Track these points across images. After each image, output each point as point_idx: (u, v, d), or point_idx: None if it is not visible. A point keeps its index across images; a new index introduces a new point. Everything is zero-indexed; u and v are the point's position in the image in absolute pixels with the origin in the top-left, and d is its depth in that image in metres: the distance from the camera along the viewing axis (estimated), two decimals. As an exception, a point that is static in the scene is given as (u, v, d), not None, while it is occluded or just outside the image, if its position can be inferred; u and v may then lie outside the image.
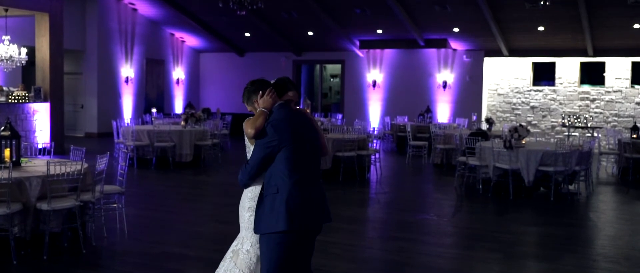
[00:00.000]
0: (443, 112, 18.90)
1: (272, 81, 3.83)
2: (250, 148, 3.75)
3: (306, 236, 3.64)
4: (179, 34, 20.82)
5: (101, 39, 17.94)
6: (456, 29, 17.14)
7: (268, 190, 3.56)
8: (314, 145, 3.72)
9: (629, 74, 17.26)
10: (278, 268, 3.51)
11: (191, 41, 21.23)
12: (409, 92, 19.21)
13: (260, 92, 3.70)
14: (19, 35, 14.54)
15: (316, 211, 3.63)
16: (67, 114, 16.92)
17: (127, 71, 18.86)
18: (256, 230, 3.60)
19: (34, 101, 13.31)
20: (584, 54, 17.23)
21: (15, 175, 5.73)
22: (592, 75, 17.91)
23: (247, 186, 3.75)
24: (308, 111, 3.97)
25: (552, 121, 18.17)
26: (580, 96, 17.85)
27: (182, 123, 12.45)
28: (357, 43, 19.26)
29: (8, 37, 12.95)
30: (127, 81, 18.82)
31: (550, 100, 18.21)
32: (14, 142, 6.35)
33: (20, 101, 12.95)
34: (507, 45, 17.76)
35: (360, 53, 19.82)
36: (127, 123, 13.48)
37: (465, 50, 18.68)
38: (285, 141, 3.55)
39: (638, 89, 17.23)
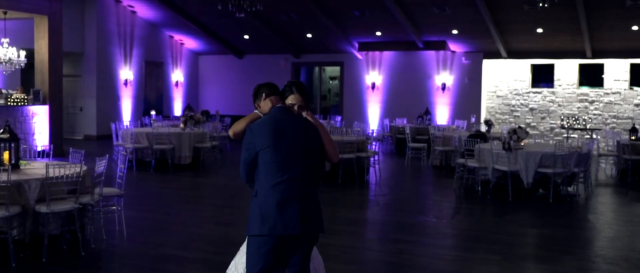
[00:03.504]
0: (442, 114, 18.91)
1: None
2: None
3: (287, 243, 3.48)
4: (178, 37, 20.82)
5: (100, 42, 17.93)
6: (455, 31, 17.15)
7: (253, 193, 3.56)
8: (306, 152, 3.54)
9: (627, 76, 17.28)
10: (254, 271, 3.49)
11: (190, 43, 21.23)
12: (408, 94, 19.22)
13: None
14: (18, 37, 14.54)
15: (296, 218, 3.42)
16: (66, 117, 16.91)
17: (126, 73, 18.85)
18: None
19: (33, 104, 13.30)
20: (583, 55, 17.25)
21: (14, 178, 5.73)
22: (591, 77, 17.93)
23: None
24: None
25: (551, 123, 18.18)
26: (579, 97, 17.87)
27: (181, 125, 12.44)
28: (356, 45, 19.27)
29: (7, 39, 12.95)
30: (126, 83, 18.81)
31: (549, 102, 18.22)
32: (12, 145, 6.36)
33: (19, 104, 12.94)
34: (506, 47, 17.78)
35: (359, 55, 19.83)
36: (126, 126, 13.47)
37: (464, 52, 18.70)
38: (261, 144, 3.48)
39: (637, 90, 17.25)
